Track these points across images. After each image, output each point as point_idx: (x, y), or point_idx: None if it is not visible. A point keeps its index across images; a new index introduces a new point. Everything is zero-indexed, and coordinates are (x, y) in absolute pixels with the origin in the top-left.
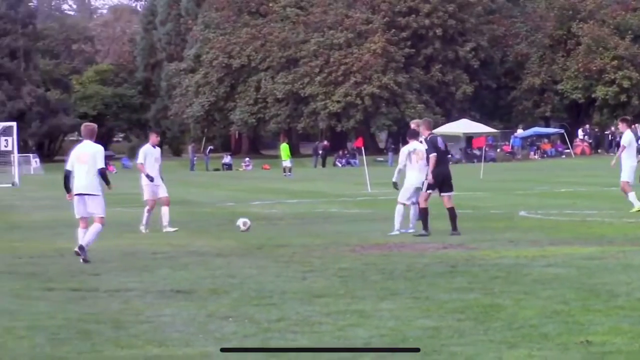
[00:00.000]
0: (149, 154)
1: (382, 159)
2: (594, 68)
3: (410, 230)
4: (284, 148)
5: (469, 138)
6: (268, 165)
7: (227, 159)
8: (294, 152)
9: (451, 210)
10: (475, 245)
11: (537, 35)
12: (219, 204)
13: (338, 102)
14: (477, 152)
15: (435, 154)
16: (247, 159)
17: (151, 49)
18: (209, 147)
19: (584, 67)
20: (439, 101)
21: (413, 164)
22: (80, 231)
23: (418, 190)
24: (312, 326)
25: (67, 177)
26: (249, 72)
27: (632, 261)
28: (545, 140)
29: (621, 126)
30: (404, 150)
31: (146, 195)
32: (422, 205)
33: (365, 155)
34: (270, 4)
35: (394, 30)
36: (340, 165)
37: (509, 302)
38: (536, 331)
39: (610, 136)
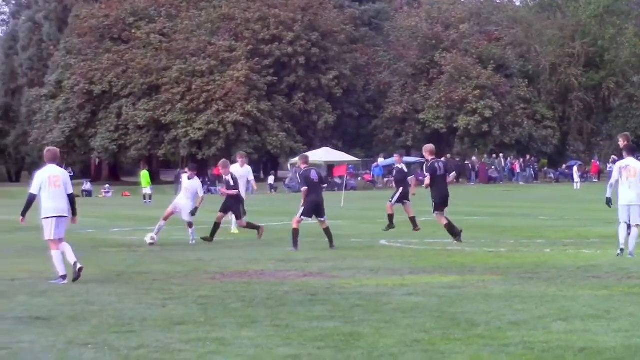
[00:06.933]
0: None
1: None
2: (456, 97)
3: (629, 256)
4: (144, 175)
5: (330, 166)
6: (128, 192)
7: (86, 185)
8: (155, 179)
9: (327, 230)
10: (336, 273)
11: (400, 64)
12: (79, 231)
13: (200, 129)
14: (337, 181)
15: (306, 187)
16: (107, 185)
17: (12, 74)
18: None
19: (446, 97)
20: (301, 129)
21: (623, 180)
22: None
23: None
24: (172, 354)
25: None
26: (110, 99)
27: (492, 290)
28: None
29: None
30: (616, 165)
31: None
32: (295, 226)
33: None
34: (133, 31)
35: (257, 58)
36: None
37: (369, 330)
38: None
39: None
